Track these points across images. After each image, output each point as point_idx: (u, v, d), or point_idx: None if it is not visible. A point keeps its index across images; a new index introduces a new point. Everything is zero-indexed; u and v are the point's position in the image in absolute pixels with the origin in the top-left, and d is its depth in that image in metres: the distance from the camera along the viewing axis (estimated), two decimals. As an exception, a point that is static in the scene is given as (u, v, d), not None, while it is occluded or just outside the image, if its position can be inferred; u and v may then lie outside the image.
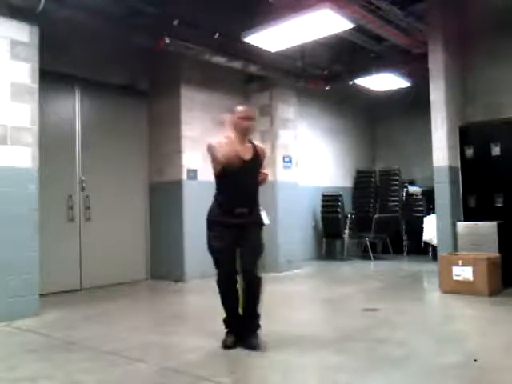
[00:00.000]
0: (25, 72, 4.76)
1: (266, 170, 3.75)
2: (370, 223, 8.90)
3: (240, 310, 3.57)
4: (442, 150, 5.82)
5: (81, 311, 5.00)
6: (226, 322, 3.61)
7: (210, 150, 3.51)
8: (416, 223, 8.88)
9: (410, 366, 2.96)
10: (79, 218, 6.40)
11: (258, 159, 3.63)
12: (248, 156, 3.55)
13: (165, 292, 6.21)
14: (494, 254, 5.39)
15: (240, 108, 3.64)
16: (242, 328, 3.54)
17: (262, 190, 3.68)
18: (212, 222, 3.55)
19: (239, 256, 3.50)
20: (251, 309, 3.52)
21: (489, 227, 5.55)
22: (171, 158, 7.03)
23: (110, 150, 6.79)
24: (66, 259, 6.18)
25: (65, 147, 6.32)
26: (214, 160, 3.50)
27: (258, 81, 7.76)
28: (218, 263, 3.51)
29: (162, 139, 7.18)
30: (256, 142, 3.75)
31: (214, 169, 3.55)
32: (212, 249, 3.52)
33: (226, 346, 3.46)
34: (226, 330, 3.59)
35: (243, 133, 3.60)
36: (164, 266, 7.04)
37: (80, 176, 6.44)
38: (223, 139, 3.57)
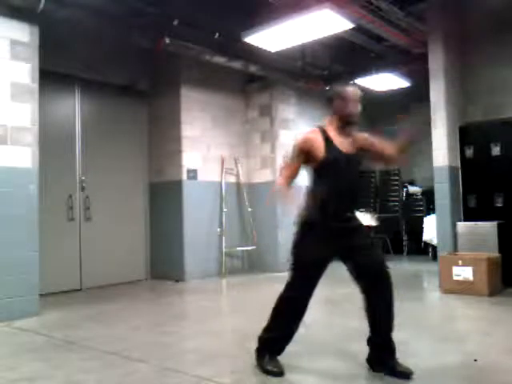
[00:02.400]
0: (25, 72, 4.76)
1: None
2: (370, 223, 8.91)
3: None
4: (441, 150, 5.83)
5: (81, 311, 5.00)
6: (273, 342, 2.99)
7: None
8: (416, 223, 8.87)
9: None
10: (79, 217, 6.40)
11: (360, 155, 2.95)
12: (350, 150, 2.88)
13: (165, 292, 6.20)
14: (494, 254, 5.39)
15: (343, 88, 2.84)
16: (380, 352, 2.91)
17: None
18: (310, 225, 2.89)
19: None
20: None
21: (489, 227, 5.55)
22: (171, 157, 7.03)
23: (109, 150, 6.79)
24: (66, 259, 6.18)
25: (65, 147, 6.32)
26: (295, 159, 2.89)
27: (258, 81, 7.77)
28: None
29: (162, 139, 7.18)
30: (356, 133, 2.97)
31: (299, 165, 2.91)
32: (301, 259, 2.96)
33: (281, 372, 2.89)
34: (266, 354, 2.97)
35: (345, 120, 2.85)
36: (164, 266, 7.04)
37: (80, 176, 6.44)
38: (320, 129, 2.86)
